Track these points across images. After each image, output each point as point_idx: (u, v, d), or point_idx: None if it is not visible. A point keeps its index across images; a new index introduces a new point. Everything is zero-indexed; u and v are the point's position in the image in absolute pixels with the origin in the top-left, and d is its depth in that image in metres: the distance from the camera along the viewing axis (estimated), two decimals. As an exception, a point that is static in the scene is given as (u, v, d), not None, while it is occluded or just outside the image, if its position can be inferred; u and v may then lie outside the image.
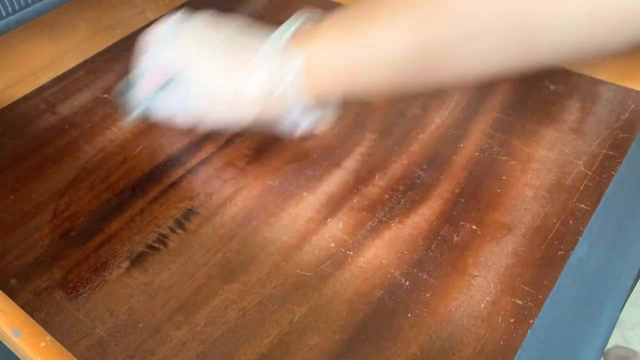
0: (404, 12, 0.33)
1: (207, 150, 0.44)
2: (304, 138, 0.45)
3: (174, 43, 0.41)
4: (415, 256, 0.37)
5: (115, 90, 0.46)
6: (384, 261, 0.36)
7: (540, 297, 0.34)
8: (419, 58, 0.34)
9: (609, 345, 0.91)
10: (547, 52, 0.33)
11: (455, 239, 0.37)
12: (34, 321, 0.25)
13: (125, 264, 0.37)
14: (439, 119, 0.46)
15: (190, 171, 0.43)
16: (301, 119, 0.39)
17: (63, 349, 0.23)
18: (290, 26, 0.37)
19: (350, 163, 0.43)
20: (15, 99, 0.50)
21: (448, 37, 0.33)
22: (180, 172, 0.43)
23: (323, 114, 0.40)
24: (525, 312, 0.33)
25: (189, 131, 0.46)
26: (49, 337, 0.24)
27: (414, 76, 0.36)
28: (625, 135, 0.43)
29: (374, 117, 0.46)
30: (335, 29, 0.36)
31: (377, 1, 0.35)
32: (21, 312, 0.25)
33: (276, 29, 0.38)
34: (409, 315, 0.34)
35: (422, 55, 0.34)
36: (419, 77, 0.36)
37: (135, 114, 0.43)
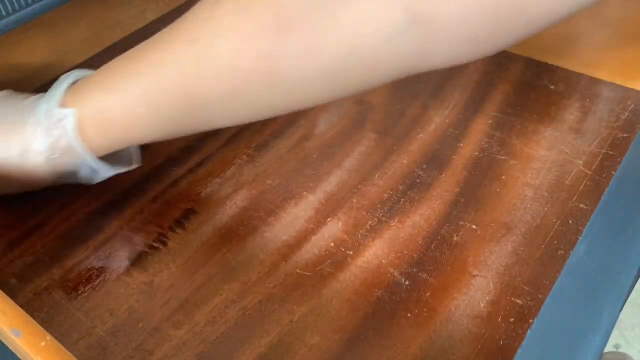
0: (169, 64, 0.34)
1: (207, 150, 0.45)
2: (304, 137, 0.45)
3: None
4: (415, 256, 0.37)
5: None
6: (383, 261, 0.36)
7: (540, 296, 0.34)
8: (185, 109, 0.35)
9: (609, 344, 0.91)
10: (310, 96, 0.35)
11: (455, 238, 0.37)
12: (34, 321, 0.25)
13: (126, 264, 0.37)
14: (438, 119, 0.46)
15: (191, 171, 0.43)
16: (97, 168, 0.38)
17: (63, 348, 0.23)
18: (61, 84, 0.37)
19: (350, 163, 0.43)
20: (15, 99, 0.51)
21: (212, 90, 0.33)
22: (180, 172, 0.43)
23: (121, 159, 0.40)
24: (525, 312, 0.33)
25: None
26: (49, 337, 0.24)
27: (185, 125, 0.36)
28: (625, 135, 0.43)
29: (373, 117, 0.47)
30: (102, 83, 0.36)
31: (145, 51, 0.35)
32: (21, 312, 0.25)
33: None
34: (409, 315, 0.34)
35: (188, 106, 0.34)
36: (190, 125, 0.36)
37: None
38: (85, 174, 0.38)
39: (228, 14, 0.32)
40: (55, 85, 0.37)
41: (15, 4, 0.40)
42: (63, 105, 0.36)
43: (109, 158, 0.39)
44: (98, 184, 0.42)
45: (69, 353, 0.24)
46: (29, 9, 0.41)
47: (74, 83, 0.37)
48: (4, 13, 0.40)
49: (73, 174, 0.38)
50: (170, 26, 0.35)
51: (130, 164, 0.40)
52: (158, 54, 0.34)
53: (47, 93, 0.37)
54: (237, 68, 0.32)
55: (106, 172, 0.38)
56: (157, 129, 0.36)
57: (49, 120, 0.36)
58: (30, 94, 0.39)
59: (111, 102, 0.35)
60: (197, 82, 0.33)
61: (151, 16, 0.59)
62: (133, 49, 0.36)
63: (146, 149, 0.45)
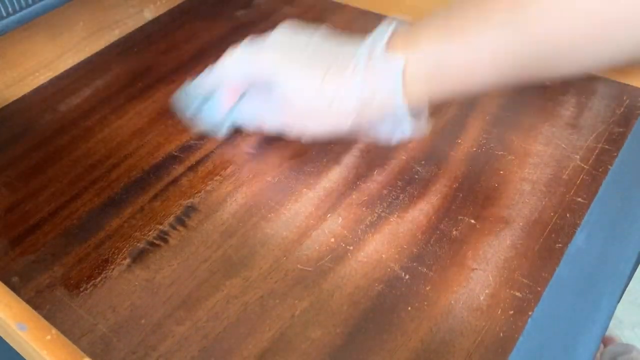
0: (507, 12, 0.33)
1: (207, 147, 0.45)
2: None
3: (259, 52, 0.39)
4: (415, 250, 0.37)
5: (177, 105, 0.46)
6: (383, 255, 0.37)
7: (539, 289, 0.34)
8: (530, 57, 0.33)
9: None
10: None
11: (454, 233, 0.38)
12: (38, 315, 0.25)
13: (127, 261, 0.37)
14: (436, 115, 0.46)
15: (190, 168, 0.43)
16: (398, 126, 0.37)
17: (68, 341, 0.24)
18: (383, 32, 0.36)
19: (349, 159, 0.43)
20: (14, 98, 0.51)
21: (569, 35, 0.32)
22: (180, 169, 0.43)
23: (420, 120, 0.39)
24: (524, 304, 0.33)
25: (188, 129, 0.46)
26: (54, 331, 0.24)
27: (521, 75, 0.35)
28: (621, 129, 0.44)
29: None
30: (432, 33, 0.35)
31: (472, 3, 0.34)
32: (26, 306, 0.25)
33: (362, 37, 0.37)
34: (409, 308, 0.34)
35: (534, 54, 0.33)
36: (527, 75, 0.35)
37: (223, 129, 0.44)
38: (387, 128, 0.38)
39: None
40: (379, 29, 0.37)
41: (15, 4, 0.40)
42: (388, 51, 0.35)
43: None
44: (98, 181, 0.42)
45: (74, 346, 0.24)
46: (29, 9, 0.41)
47: (397, 28, 0.37)
48: (4, 13, 0.40)
49: (375, 125, 0.38)
50: None
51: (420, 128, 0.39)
52: (488, 9, 0.33)
53: (370, 36, 0.37)
54: (598, 14, 0.31)
55: (406, 130, 0.38)
56: (490, 79, 0.35)
57: (373, 66, 0.35)
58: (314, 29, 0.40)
59: (449, 52, 0.34)
60: (551, 29, 0.32)
61: (149, 15, 0.59)
62: (452, 7, 0.35)
63: (146, 146, 0.45)
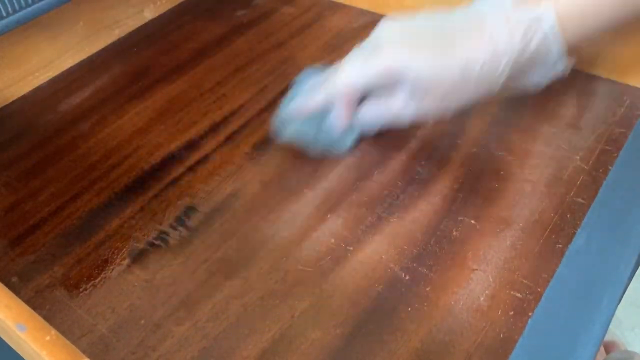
0: None
1: (207, 148, 0.45)
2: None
3: (378, 54, 0.37)
4: (415, 251, 0.37)
5: (284, 133, 0.43)
6: (383, 256, 0.37)
7: (539, 289, 0.34)
8: None
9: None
10: None
11: (454, 233, 0.38)
12: (38, 315, 0.25)
13: (126, 261, 0.37)
14: (436, 116, 0.46)
15: (190, 169, 0.43)
16: (551, 67, 0.37)
17: (68, 342, 0.24)
18: None
19: (350, 159, 0.43)
20: (14, 98, 0.51)
21: None
22: (180, 169, 0.43)
23: (569, 58, 0.38)
24: (524, 305, 0.33)
25: (188, 129, 0.46)
26: (53, 331, 0.24)
27: None
28: (622, 130, 0.44)
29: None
30: None
31: None
32: (25, 307, 0.25)
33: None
34: (409, 309, 0.34)
35: None
36: None
37: (349, 142, 0.43)
38: (538, 74, 0.38)
39: None
40: None
41: (15, 4, 0.40)
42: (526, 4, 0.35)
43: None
44: (98, 182, 0.42)
45: (74, 346, 0.24)
46: (29, 9, 0.41)
47: None
48: (4, 13, 0.40)
49: (524, 76, 0.37)
50: None
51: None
52: None
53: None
54: None
55: (561, 67, 0.37)
56: (620, 14, 0.36)
57: (519, 21, 0.35)
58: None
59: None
60: None
61: (149, 15, 0.59)
62: None
63: (146, 147, 0.45)
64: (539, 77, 0.38)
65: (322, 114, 0.41)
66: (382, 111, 0.41)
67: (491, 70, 0.36)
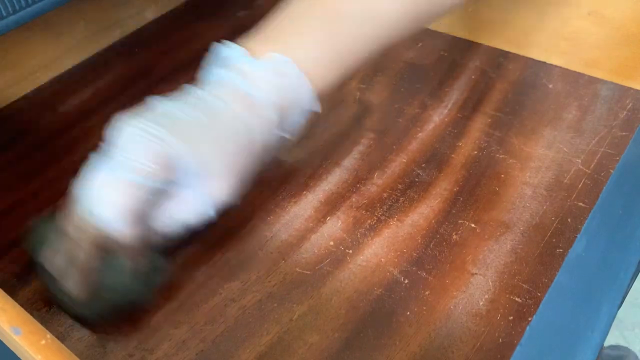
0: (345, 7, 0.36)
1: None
2: (303, 136, 0.45)
3: (163, 145, 0.32)
4: (414, 254, 0.37)
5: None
6: (382, 259, 0.36)
7: (539, 294, 0.34)
8: (364, 36, 0.36)
9: (608, 344, 0.91)
10: None
11: (454, 237, 0.37)
12: (34, 319, 0.25)
13: (125, 263, 0.37)
14: (437, 118, 0.46)
15: (190, 170, 0.43)
16: (305, 112, 0.37)
17: (63, 346, 0.24)
18: (236, 52, 0.35)
19: (349, 162, 0.43)
20: (15, 98, 0.51)
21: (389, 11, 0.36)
22: (179, 171, 0.43)
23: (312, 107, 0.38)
24: (524, 310, 0.33)
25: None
26: (49, 335, 0.24)
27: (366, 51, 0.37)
28: (624, 133, 0.44)
29: (372, 116, 0.47)
30: (288, 35, 0.36)
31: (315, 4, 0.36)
32: (21, 310, 0.25)
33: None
34: (408, 313, 0.34)
35: (367, 32, 0.36)
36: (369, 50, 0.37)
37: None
38: (295, 119, 0.37)
39: None
40: (217, 55, 0.36)
41: (15, 4, 0.40)
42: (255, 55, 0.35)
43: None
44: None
45: (69, 351, 0.24)
46: (29, 9, 0.41)
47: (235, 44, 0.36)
48: (4, 13, 0.40)
49: (290, 123, 0.36)
50: None
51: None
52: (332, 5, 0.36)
53: (213, 66, 0.36)
54: None
55: (303, 117, 0.37)
56: (366, 53, 0.37)
57: (256, 73, 0.34)
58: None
59: (326, 36, 0.36)
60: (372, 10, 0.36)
61: (150, 16, 0.59)
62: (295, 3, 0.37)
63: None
64: (295, 122, 0.37)
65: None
66: (177, 214, 0.34)
67: (261, 126, 0.34)
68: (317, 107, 0.37)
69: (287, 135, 0.37)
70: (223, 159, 0.33)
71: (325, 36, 0.36)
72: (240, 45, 0.36)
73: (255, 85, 0.34)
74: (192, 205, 0.34)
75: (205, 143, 0.33)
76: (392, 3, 0.37)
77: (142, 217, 0.32)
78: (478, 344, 0.32)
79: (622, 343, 1.06)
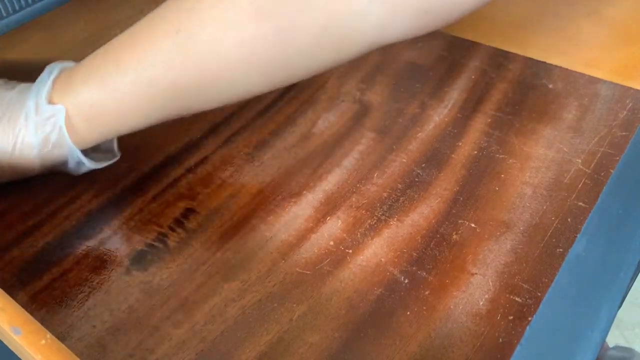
0: (155, 57, 0.35)
1: (207, 149, 0.45)
2: (303, 136, 0.45)
3: None
4: (414, 254, 0.37)
5: None
6: (382, 259, 0.36)
7: (539, 294, 0.34)
8: (171, 97, 0.36)
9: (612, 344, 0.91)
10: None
11: (454, 237, 0.37)
12: (33, 319, 0.25)
13: (125, 263, 0.37)
14: (437, 118, 0.46)
15: (190, 170, 0.43)
16: (82, 161, 0.39)
17: (63, 346, 0.24)
18: (45, 81, 0.38)
19: (349, 161, 0.43)
20: (14, 98, 0.51)
21: (197, 78, 0.35)
22: (179, 171, 0.43)
23: (106, 151, 0.42)
24: (524, 310, 0.33)
25: (188, 130, 0.46)
26: (49, 335, 0.24)
27: (171, 111, 0.38)
28: (624, 133, 0.44)
29: (372, 116, 0.47)
30: (88, 77, 0.37)
31: (129, 44, 0.37)
32: (21, 309, 0.25)
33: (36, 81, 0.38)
34: (408, 313, 0.34)
35: (174, 94, 0.36)
36: (176, 111, 0.38)
37: None
38: (72, 166, 0.39)
39: (209, 4, 0.34)
40: (42, 77, 0.38)
41: (15, 4, 0.40)
42: (51, 100, 0.37)
43: (91, 150, 0.40)
44: (97, 182, 0.42)
45: (69, 351, 0.24)
46: (29, 9, 0.41)
47: (59, 74, 0.38)
48: (4, 13, 0.40)
49: (61, 164, 0.39)
50: (151, 15, 0.37)
51: (111, 156, 0.42)
52: (143, 47, 0.36)
53: (34, 85, 0.38)
54: (219, 55, 0.34)
55: (90, 165, 0.40)
56: (144, 118, 0.38)
57: (40, 116, 0.37)
58: (18, 82, 0.40)
59: (100, 97, 0.36)
60: (183, 71, 0.35)
61: (150, 16, 0.59)
62: (114, 40, 0.37)
63: (145, 148, 0.45)
64: (74, 169, 0.40)
65: None
66: None
67: (22, 155, 0.38)
68: (89, 162, 0.39)
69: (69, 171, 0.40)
70: None
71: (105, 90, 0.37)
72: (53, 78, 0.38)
73: (28, 123, 0.37)
74: None
75: None
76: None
77: None
78: (478, 343, 0.32)
79: (622, 343, 1.06)
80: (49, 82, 0.37)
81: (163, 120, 0.39)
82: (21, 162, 0.38)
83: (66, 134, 0.37)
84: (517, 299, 0.34)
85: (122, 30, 0.58)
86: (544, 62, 0.51)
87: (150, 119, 0.38)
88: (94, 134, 0.38)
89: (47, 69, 0.38)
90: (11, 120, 0.37)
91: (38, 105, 0.37)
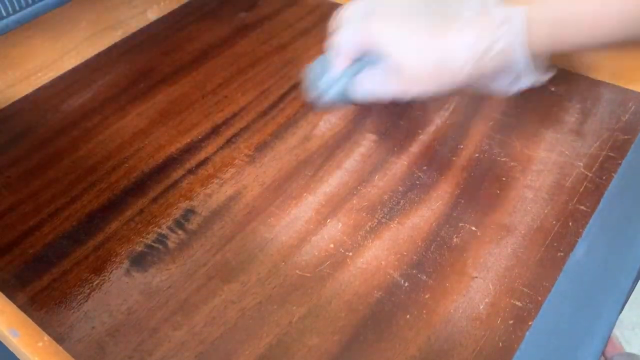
0: None
1: (207, 150, 0.45)
2: (304, 138, 0.45)
3: (369, 22, 0.37)
4: (415, 257, 0.36)
5: (305, 75, 0.42)
6: (383, 262, 0.36)
7: (540, 298, 0.34)
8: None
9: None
10: None
11: (455, 240, 0.37)
12: (31, 321, 0.25)
13: (125, 264, 0.37)
14: (439, 120, 0.46)
15: (190, 171, 0.43)
16: (517, 77, 0.36)
17: (60, 349, 0.23)
18: None
19: (350, 164, 0.43)
20: (16, 98, 0.51)
21: None
22: (180, 172, 0.43)
23: (539, 71, 0.37)
24: (524, 314, 0.33)
25: (189, 131, 0.46)
26: (46, 337, 0.24)
27: (635, 29, 0.34)
28: (626, 136, 0.43)
29: (373, 118, 0.46)
30: None
31: None
32: (19, 312, 0.25)
33: None
34: (408, 316, 0.34)
35: None
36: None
37: (329, 96, 0.40)
38: (502, 82, 0.37)
39: None
40: None
41: (15, 4, 0.40)
42: (505, 6, 0.34)
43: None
44: (98, 183, 0.42)
45: (66, 353, 0.24)
46: (29, 9, 0.41)
47: None
48: (4, 13, 0.40)
49: (489, 79, 0.37)
50: None
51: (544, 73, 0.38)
52: None
53: None
54: None
55: (530, 79, 0.37)
56: (607, 35, 0.35)
57: (485, 22, 0.34)
58: None
59: (567, 5, 0.34)
60: None
61: (152, 16, 0.59)
62: None
63: (145, 149, 0.45)
64: (504, 85, 0.37)
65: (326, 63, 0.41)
66: (367, 82, 0.39)
67: (452, 62, 0.35)
68: (531, 78, 0.36)
69: (486, 90, 0.38)
70: (417, 53, 0.36)
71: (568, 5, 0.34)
72: None
73: (479, 24, 0.35)
74: (376, 82, 0.39)
75: (412, 51, 0.36)
76: None
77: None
78: (478, 347, 0.32)
79: (622, 343, 1.06)
80: None
81: (616, 42, 0.35)
82: (449, 71, 0.36)
83: (523, 36, 0.34)
84: (517, 303, 0.34)
85: (123, 31, 0.58)
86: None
87: (610, 37, 0.35)
88: (551, 43, 0.35)
89: None
90: (448, 23, 0.35)
91: (487, 4, 0.35)
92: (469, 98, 0.48)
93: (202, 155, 0.44)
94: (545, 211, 0.39)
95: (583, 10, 0.34)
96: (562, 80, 0.49)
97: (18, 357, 0.25)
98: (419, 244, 0.37)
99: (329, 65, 0.40)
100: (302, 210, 0.40)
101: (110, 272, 0.37)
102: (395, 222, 0.39)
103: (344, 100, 0.41)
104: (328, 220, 0.39)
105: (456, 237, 0.37)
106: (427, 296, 0.34)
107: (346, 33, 0.39)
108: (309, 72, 0.42)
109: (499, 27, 0.34)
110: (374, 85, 0.39)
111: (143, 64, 0.54)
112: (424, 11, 0.37)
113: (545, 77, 0.37)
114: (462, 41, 0.35)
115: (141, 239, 0.38)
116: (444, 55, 0.35)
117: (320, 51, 0.54)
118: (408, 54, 0.36)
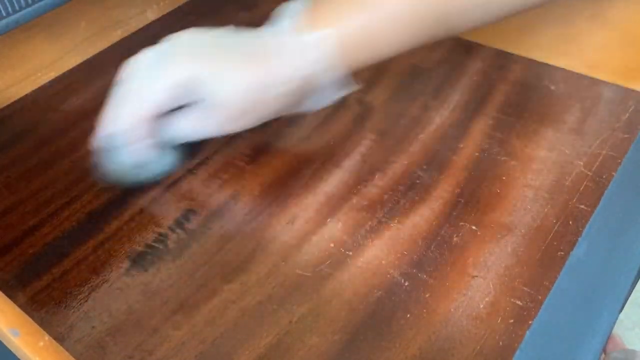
0: None
1: (207, 150, 0.45)
2: (303, 137, 0.45)
3: (172, 63, 0.37)
4: (415, 256, 0.37)
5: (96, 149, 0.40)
6: (383, 261, 0.36)
7: (540, 297, 0.34)
8: (435, 19, 0.36)
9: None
10: None
11: (455, 239, 0.37)
12: (32, 321, 0.25)
13: (125, 264, 0.37)
14: (439, 119, 0.46)
15: (190, 171, 0.43)
16: (325, 95, 0.38)
17: (61, 348, 0.24)
18: (293, 13, 0.37)
19: (350, 163, 0.43)
20: (15, 98, 0.51)
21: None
22: (180, 171, 0.43)
23: (346, 86, 0.40)
24: (525, 313, 0.33)
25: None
26: (47, 337, 0.24)
27: (429, 36, 0.38)
28: (626, 135, 0.43)
29: (373, 117, 0.46)
30: (347, 5, 0.36)
31: None
32: (19, 311, 0.25)
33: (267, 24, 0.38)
34: (408, 315, 0.34)
35: (438, 16, 0.36)
36: (434, 34, 0.38)
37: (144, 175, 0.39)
38: (311, 101, 0.39)
39: None
40: (285, 15, 0.38)
41: (15, 4, 0.40)
42: (309, 30, 0.36)
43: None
44: (97, 184, 0.42)
45: (67, 353, 0.24)
46: (29, 9, 0.41)
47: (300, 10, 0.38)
48: (3, 13, 0.40)
49: (300, 102, 0.38)
50: None
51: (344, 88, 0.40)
52: None
53: (275, 24, 0.38)
54: None
55: (339, 94, 0.39)
56: (404, 42, 0.37)
57: (303, 46, 0.36)
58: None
59: (369, 19, 0.36)
60: None
61: (152, 16, 0.59)
62: None
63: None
64: (313, 103, 0.39)
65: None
66: (183, 125, 0.38)
67: (281, 92, 0.37)
68: (342, 91, 0.38)
69: (300, 109, 0.39)
70: (238, 90, 0.36)
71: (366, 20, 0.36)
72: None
73: (295, 51, 0.36)
74: (195, 124, 0.38)
75: (231, 84, 0.36)
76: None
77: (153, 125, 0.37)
78: (478, 347, 0.32)
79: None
80: (298, 14, 0.37)
81: (415, 45, 0.38)
82: (276, 100, 0.37)
83: (332, 61, 0.36)
84: (517, 302, 0.34)
85: (123, 31, 0.58)
86: (546, 64, 0.51)
87: (406, 43, 0.38)
88: (354, 60, 0.37)
89: (290, 4, 0.38)
90: (263, 55, 0.36)
91: (299, 35, 0.36)
92: (469, 97, 0.48)
93: (202, 155, 0.44)
94: (546, 210, 0.39)
95: (380, 28, 0.36)
96: (562, 79, 0.49)
97: (18, 357, 0.25)
98: (419, 243, 0.37)
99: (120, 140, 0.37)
100: (302, 209, 0.40)
101: (110, 272, 0.37)
102: (396, 221, 0.39)
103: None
104: (328, 220, 0.39)
105: (456, 236, 0.37)
106: (427, 295, 0.34)
107: (150, 82, 0.36)
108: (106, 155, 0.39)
109: (312, 52, 0.36)
110: (191, 127, 0.38)
111: (143, 63, 0.54)
112: (232, 47, 0.37)
113: (351, 90, 0.40)
114: (278, 72, 0.36)
115: (141, 239, 0.38)
116: (263, 88, 0.36)
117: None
118: (230, 92, 0.36)
